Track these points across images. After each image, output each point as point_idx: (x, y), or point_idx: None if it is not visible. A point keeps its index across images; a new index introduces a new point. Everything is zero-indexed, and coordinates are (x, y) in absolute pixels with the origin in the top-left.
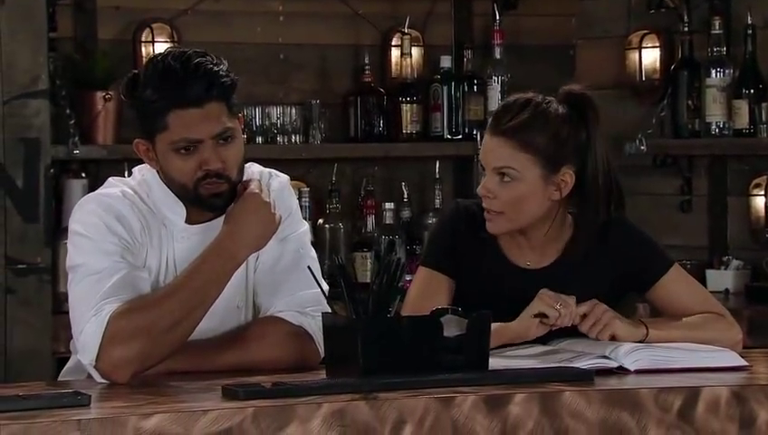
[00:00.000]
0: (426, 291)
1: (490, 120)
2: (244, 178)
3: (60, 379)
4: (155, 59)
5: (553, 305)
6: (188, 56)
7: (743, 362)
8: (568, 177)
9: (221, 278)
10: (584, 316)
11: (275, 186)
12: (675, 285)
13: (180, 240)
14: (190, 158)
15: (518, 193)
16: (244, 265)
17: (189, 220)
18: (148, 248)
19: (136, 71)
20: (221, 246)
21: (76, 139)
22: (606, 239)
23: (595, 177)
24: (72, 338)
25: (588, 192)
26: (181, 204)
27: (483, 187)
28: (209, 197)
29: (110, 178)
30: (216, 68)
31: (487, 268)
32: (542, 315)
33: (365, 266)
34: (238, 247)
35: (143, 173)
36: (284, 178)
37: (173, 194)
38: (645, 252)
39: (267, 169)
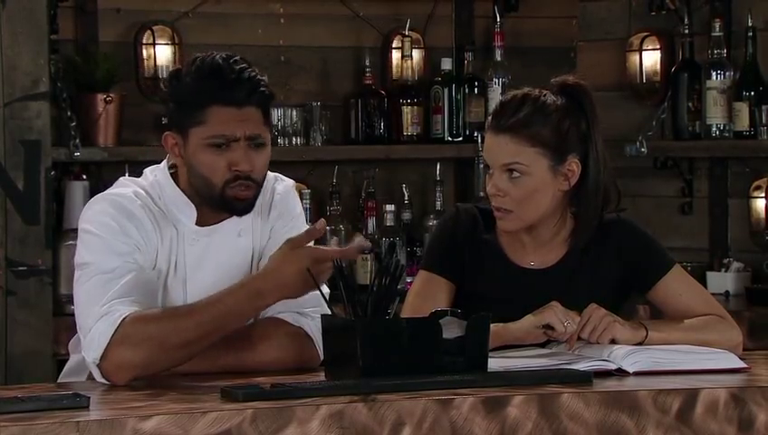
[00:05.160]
0: (425, 294)
1: (490, 118)
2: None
3: (60, 380)
4: (201, 56)
5: (562, 321)
6: (236, 60)
7: (742, 364)
8: (574, 165)
9: (243, 313)
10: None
11: (280, 190)
12: (676, 285)
13: (190, 242)
14: (222, 155)
15: (529, 188)
16: (247, 268)
17: (199, 222)
18: (158, 249)
19: (179, 66)
20: (251, 283)
21: (77, 141)
22: (609, 240)
23: (597, 165)
24: (70, 339)
25: (591, 182)
26: (192, 206)
27: (492, 186)
28: (234, 199)
29: (121, 178)
30: (258, 77)
31: (490, 270)
32: (548, 327)
33: (365, 268)
34: (268, 290)
35: (155, 174)
36: (289, 182)
37: (185, 196)
38: (647, 252)
39: (272, 173)
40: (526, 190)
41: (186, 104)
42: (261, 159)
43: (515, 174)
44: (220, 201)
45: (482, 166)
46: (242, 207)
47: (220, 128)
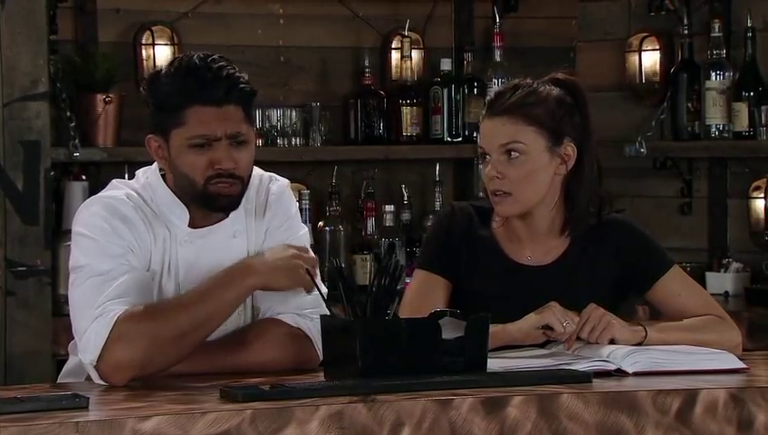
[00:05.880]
0: (422, 292)
1: (485, 107)
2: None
3: (59, 380)
4: (179, 57)
5: (561, 321)
6: (213, 59)
7: (741, 365)
8: (570, 149)
9: (232, 299)
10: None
11: (275, 190)
12: (675, 285)
13: (183, 244)
14: (203, 154)
15: (527, 168)
16: None
17: (192, 224)
18: (151, 251)
19: (158, 68)
20: (238, 268)
21: (76, 141)
22: (608, 239)
23: (591, 157)
24: (71, 340)
25: (585, 172)
26: (184, 207)
27: (491, 168)
28: (218, 196)
29: (113, 181)
30: (237, 73)
31: (487, 267)
32: (547, 327)
33: (365, 269)
34: (254, 274)
35: (147, 175)
36: (284, 181)
37: (177, 197)
38: (646, 252)
39: (267, 173)
40: (525, 171)
41: (165, 106)
42: (244, 157)
43: (514, 154)
44: (203, 199)
45: (479, 165)
46: (225, 202)
47: (200, 128)
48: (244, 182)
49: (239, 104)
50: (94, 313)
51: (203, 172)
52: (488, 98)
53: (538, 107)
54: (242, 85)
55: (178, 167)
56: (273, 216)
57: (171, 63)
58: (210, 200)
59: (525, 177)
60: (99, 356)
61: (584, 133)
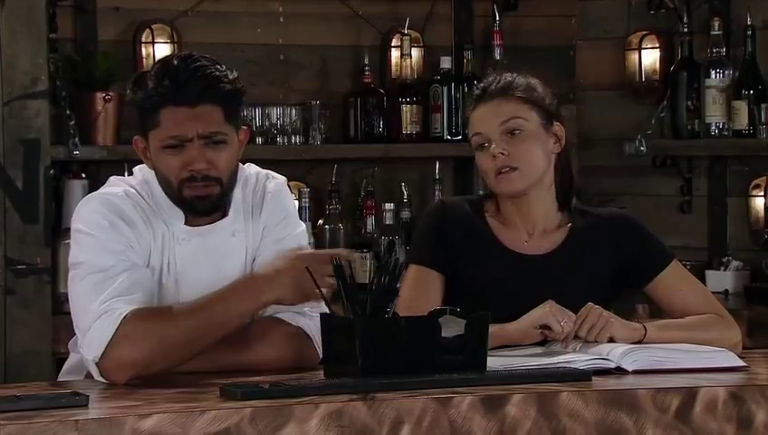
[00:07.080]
0: (418, 287)
1: (474, 99)
2: (241, 179)
3: (59, 379)
4: (162, 59)
5: (559, 321)
6: (193, 59)
7: (741, 363)
8: (559, 129)
9: (242, 312)
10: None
11: (271, 187)
12: (675, 280)
13: (181, 242)
14: (177, 156)
15: (530, 143)
16: (242, 268)
17: (189, 222)
18: (151, 247)
19: (143, 70)
20: (252, 282)
21: (76, 139)
22: (609, 234)
23: (567, 143)
24: (70, 338)
25: (569, 158)
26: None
27: (496, 147)
28: (194, 199)
29: (111, 178)
30: (217, 73)
31: (482, 256)
32: (545, 327)
33: (365, 267)
34: (267, 289)
35: (144, 173)
36: (281, 179)
37: None
38: (646, 246)
39: (264, 171)
40: (528, 145)
41: (144, 108)
42: (221, 157)
43: (516, 131)
44: (180, 202)
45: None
46: (203, 206)
47: (173, 129)
48: (224, 184)
49: (217, 104)
50: (98, 309)
51: (177, 174)
52: (475, 92)
53: (525, 88)
54: (222, 84)
55: (157, 169)
56: (270, 214)
57: (154, 65)
58: (187, 204)
59: (529, 151)
60: (102, 353)
61: (562, 118)
